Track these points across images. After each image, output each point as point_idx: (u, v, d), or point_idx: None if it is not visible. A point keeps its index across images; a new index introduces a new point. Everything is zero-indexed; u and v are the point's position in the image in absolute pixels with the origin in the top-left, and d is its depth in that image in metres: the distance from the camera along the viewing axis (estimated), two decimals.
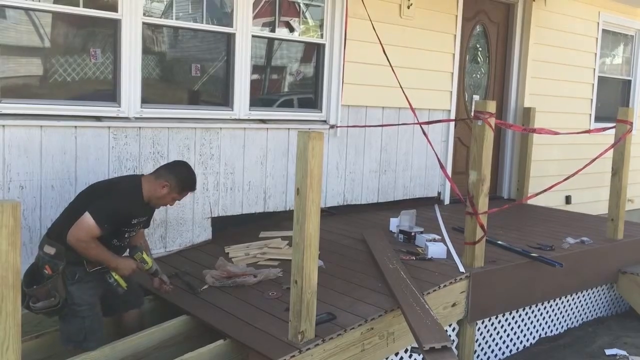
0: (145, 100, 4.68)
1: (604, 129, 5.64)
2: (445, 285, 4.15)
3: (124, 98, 4.55)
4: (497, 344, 4.81)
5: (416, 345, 3.58)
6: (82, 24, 4.41)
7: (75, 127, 4.31)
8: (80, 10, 4.31)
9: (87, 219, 3.28)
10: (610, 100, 8.79)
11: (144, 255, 3.62)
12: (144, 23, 4.60)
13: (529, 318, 5.04)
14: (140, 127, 4.62)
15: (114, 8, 4.45)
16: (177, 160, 3.99)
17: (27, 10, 4.15)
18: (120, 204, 3.44)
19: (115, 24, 4.48)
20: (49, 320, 3.84)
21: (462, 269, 4.39)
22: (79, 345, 3.39)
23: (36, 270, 3.40)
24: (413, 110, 5.25)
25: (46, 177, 4.20)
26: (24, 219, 4.11)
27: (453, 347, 3.81)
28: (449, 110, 6.84)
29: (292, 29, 5.66)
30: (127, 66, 4.53)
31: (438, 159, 5.04)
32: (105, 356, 3.31)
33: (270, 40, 5.56)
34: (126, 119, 4.57)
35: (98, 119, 4.43)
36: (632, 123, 5.55)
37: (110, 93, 4.55)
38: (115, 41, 4.51)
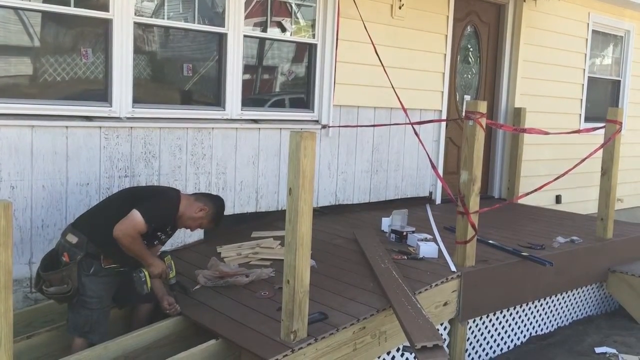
0: (137, 100, 4.66)
1: (594, 129, 5.69)
2: (436, 285, 4.16)
3: (115, 98, 4.54)
4: (488, 343, 4.84)
5: (408, 344, 3.60)
6: (73, 23, 4.39)
7: (67, 127, 4.29)
8: (71, 10, 4.29)
9: (136, 215, 3.44)
10: (600, 100, 8.86)
11: (172, 262, 3.71)
12: (135, 23, 4.59)
13: (519, 317, 5.07)
14: (131, 127, 4.61)
15: (105, 8, 4.43)
16: (219, 195, 4.14)
17: (16, 9, 4.12)
18: (166, 207, 3.65)
19: (106, 24, 4.47)
20: (40, 321, 3.85)
21: (453, 268, 4.41)
22: (84, 336, 3.50)
23: (55, 256, 3.54)
24: (405, 110, 5.27)
25: (37, 177, 4.19)
26: (15, 219, 4.09)
27: (444, 346, 3.83)
28: (440, 111, 6.87)
29: (283, 29, 5.67)
30: (118, 66, 4.51)
31: (430, 158, 5.07)
32: (98, 356, 3.30)
33: (262, 40, 5.57)
34: (117, 118, 4.55)
35: (89, 118, 4.42)
36: (621, 123, 5.59)
37: (101, 93, 4.54)
38: (106, 41, 4.49)
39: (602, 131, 5.65)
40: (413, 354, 4.03)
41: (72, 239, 3.49)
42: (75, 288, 3.44)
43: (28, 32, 4.24)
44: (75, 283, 3.43)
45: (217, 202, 3.88)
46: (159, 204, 3.62)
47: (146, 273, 3.54)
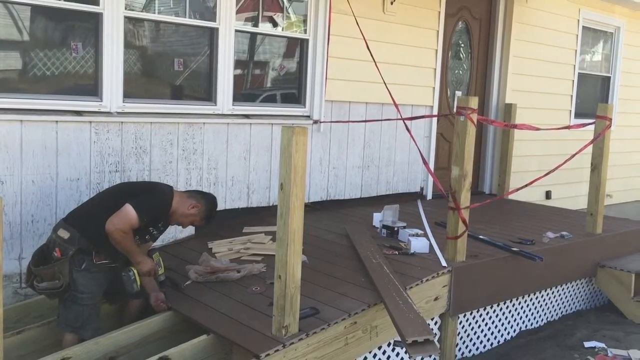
0: (128, 94, 4.64)
1: (584, 125, 5.72)
2: (427, 280, 4.18)
3: (105, 92, 4.51)
4: (478, 337, 4.87)
5: (399, 339, 3.61)
6: (63, 17, 4.36)
7: (56, 121, 4.26)
8: (61, 4, 4.26)
9: (129, 210, 3.43)
10: (590, 96, 8.91)
11: (161, 259, 3.69)
12: (125, 17, 4.56)
13: (509, 311, 5.10)
14: (122, 122, 4.59)
15: (95, 1, 4.40)
16: (211, 193, 4.14)
17: (5, 2, 4.08)
18: (159, 202, 3.63)
19: (96, 18, 4.44)
20: (30, 316, 3.83)
21: (444, 263, 4.43)
22: (74, 331, 3.48)
23: (46, 251, 3.52)
24: (396, 105, 5.28)
25: (27, 172, 4.16)
26: (5, 214, 4.06)
27: (435, 340, 3.85)
28: (432, 106, 6.88)
29: (275, 24, 5.65)
30: (108, 60, 4.48)
31: (421, 154, 5.08)
32: (88, 352, 3.29)
33: (254, 35, 5.55)
34: (108, 113, 4.53)
35: (79, 113, 4.38)
36: (611, 119, 5.63)
37: (91, 87, 4.51)
38: (96, 35, 4.46)
39: (592, 127, 5.69)
40: (404, 349, 4.05)
41: (64, 234, 3.48)
42: (67, 283, 3.42)
43: (17, 26, 4.21)
44: (66, 278, 3.41)
45: (209, 199, 3.89)
46: (152, 199, 3.61)
47: (135, 271, 3.53)
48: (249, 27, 5.43)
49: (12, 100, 4.12)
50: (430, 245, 4.82)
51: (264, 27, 5.58)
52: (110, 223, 3.40)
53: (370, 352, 3.90)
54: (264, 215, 5.51)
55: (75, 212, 3.68)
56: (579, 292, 5.89)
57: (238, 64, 5.38)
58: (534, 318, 5.38)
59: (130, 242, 3.48)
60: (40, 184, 4.22)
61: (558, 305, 5.65)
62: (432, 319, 4.38)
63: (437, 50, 6.82)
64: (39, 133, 4.19)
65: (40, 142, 4.20)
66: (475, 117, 4.38)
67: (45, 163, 4.23)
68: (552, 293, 5.54)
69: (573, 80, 8.50)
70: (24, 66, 4.25)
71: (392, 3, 6.24)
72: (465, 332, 4.73)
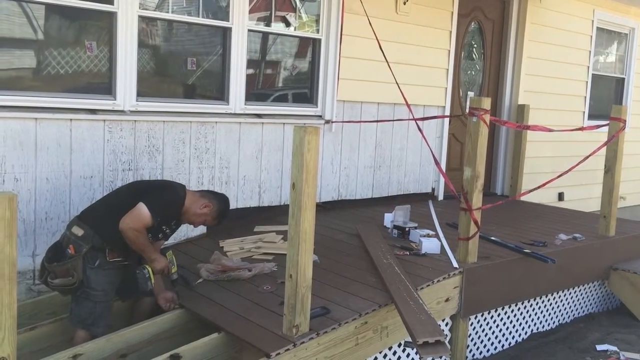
0: (141, 93, 4.66)
1: (598, 127, 5.67)
2: (438, 281, 4.17)
3: (119, 91, 4.54)
4: (489, 339, 4.85)
5: (410, 340, 3.61)
6: (77, 16, 4.39)
7: (71, 119, 4.30)
8: (75, 3, 4.29)
9: (143, 209, 3.45)
10: (604, 98, 8.84)
11: (174, 257, 3.72)
12: (139, 16, 4.58)
13: (521, 313, 5.08)
14: (135, 121, 4.62)
15: (110, 1, 4.43)
16: (224, 194, 4.12)
17: (20, 1, 4.12)
18: (172, 201, 3.65)
19: (110, 17, 4.47)
20: (43, 313, 3.86)
21: (455, 264, 4.42)
22: (86, 328, 3.50)
23: (59, 248, 3.54)
24: (408, 106, 5.27)
25: (41, 169, 4.19)
26: (19, 211, 4.09)
27: (446, 342, 3.84)
28: (444, 107, 6.87)
29: (288, 24, 5.66)
30: (122, 59, 4.51)
31: (433, 154, 5.07)
32: (100, 348, 3.31)
33: (266, 35, 5.56)
34: (121, 112, 4.55)
35: (93, 111, 4.42)
36: (625, 121, 5.59)
37: (105, 86, 4.54)
38: (110, 34, 4.49)
39: (606, 129, 5.65)
40: (415, 350, 4.04)
41: (78, 231, 3.50)
42: (80, 280, 3.44)
43: (32, 25, 4.24)
44: (80, 275, 3.44)
45: (221, 199, 3.89)
46: (165, 198, 3.63)
47: (149, 269, 3.55)
48: (261, 27, 5.45)
49: (27, 99, 4.16)
50: (442, 246, 4.81)
51: (277, 27, 5.59)
52: (124, 222, 3.42)
53: (380, 353, 3.90)
54: (275, 214, 5.52)
55: (89, 209, 3.70)
56: (591, 295, 5.85)
57: (250, 63, 5.39)
58: (546, 320, 5.35)
59: (143, 240, 3.49)
60: (54, 182, 4.26)
61: (570, 307, 5.61)
62: (443, 320, 4.37)
63: (449, 51, 6.80)
64: (53, 131, 4.22)
65: (54, 139, 4.23)
66: (487, 118, 4.36)
67: (59, 161, 4.26)
68: (564, 295, 5.50)
69: (587, 82, 8.45)
70: (38, 64, 4.28)
71: (404, 3, 6.23)
72: (476, 333, 4.71)
